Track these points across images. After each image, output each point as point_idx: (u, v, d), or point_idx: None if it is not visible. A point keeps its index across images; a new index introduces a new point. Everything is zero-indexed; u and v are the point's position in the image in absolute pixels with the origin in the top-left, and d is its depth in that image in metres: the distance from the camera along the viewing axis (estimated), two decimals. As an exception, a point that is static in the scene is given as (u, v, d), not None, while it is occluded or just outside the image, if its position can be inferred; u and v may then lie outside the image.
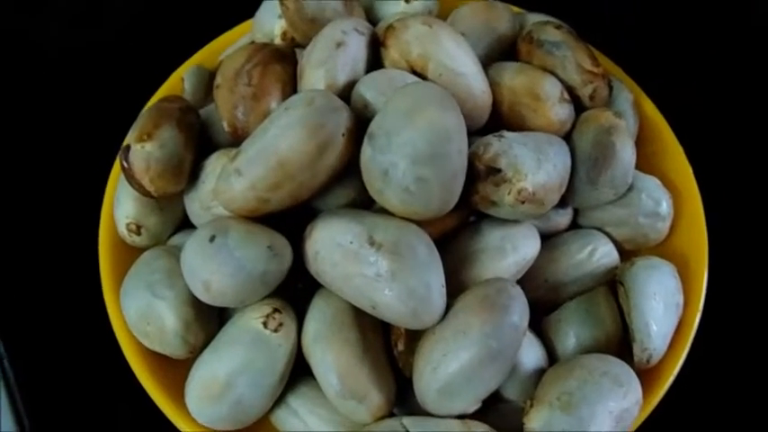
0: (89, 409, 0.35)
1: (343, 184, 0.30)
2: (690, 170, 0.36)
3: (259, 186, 0.28)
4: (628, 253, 0.35)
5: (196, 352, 0.30)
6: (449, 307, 0.28)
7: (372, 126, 0.28)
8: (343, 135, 0.28)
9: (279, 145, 0.27)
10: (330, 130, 0.27)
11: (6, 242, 0.40)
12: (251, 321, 0.29)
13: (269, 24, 0.37)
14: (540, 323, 0.32)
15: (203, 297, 0.29)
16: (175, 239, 0.34)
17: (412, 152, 0.27)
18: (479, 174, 0.29)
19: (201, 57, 0.39)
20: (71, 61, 0.47)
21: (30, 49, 0.48)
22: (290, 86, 0.32)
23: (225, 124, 0.32)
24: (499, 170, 0.29)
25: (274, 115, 0.28)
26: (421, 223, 0.29)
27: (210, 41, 0.40)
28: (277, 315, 0.29)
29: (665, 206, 0.34)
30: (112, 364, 0.32)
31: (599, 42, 0.39)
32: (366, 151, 0.28)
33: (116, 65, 0.46)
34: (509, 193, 0.29)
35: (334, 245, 0.28)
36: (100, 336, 0.32)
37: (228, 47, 0.39)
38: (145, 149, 0.30)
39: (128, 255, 0.33)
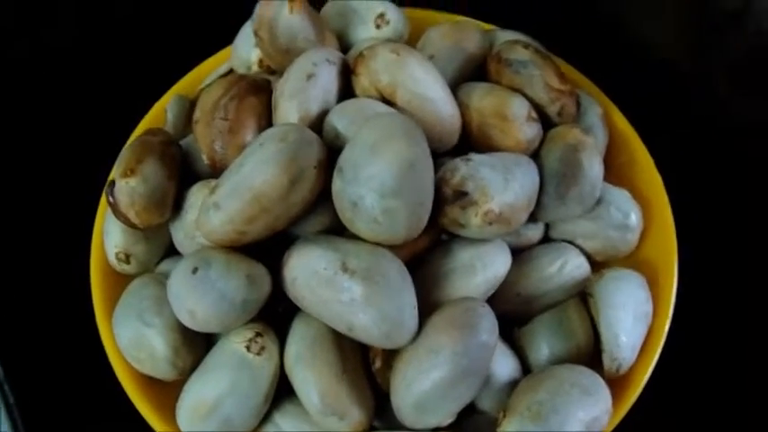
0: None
1: (317, 212, 0.31)
2: (660, 181, 0.37)
3: (236, 220, 0.29)
4: (599, 264, 0.36)
5: (186, 374, 0.32)
6: (421, 326, 0.29)
7: (340, 160, 0.29)
8: (315, 168, 0.29)
9: (254, 180, 0.28)
10: (302, 165, 0.29)
11: (4, 270, 0.42)
12: (234, 346, 0.30)
13: (246, 53, 0.38)
14: (513, 335, 0.33)
15: (189, 324, 0.30)
16: (163, 266, 0.35)
17: (378, 186, 0.28)
18: (447, 198, 0.30)
19: (183, 85, 0.40)
20: (62, 87, 0.48)
21: (18, 75, 0.49)
22: (266, 118, 0.33)
23: (204, 157, 0.33)
24: (466, 193, 0.30)
25: (249, 150, 0.29)
26: (392, 247, 0.30)
27: (192, 67, 0.41)
28: (259, 339, 0.30)
29: (634, 218, 0.35)
30: (108, 386, 0.33)
31: (571, 54, 0.40)
32: (336, 183, 0.29)
33: (105, 88, 0.47)
34: (476, 215, 0.30)
35: (310, 272, 0.29)
36: (96, 360, 0.34)
37: (209, 74, 0.40)
38: (129, 185, 0.31)
39: (118, 282, 0.34)
